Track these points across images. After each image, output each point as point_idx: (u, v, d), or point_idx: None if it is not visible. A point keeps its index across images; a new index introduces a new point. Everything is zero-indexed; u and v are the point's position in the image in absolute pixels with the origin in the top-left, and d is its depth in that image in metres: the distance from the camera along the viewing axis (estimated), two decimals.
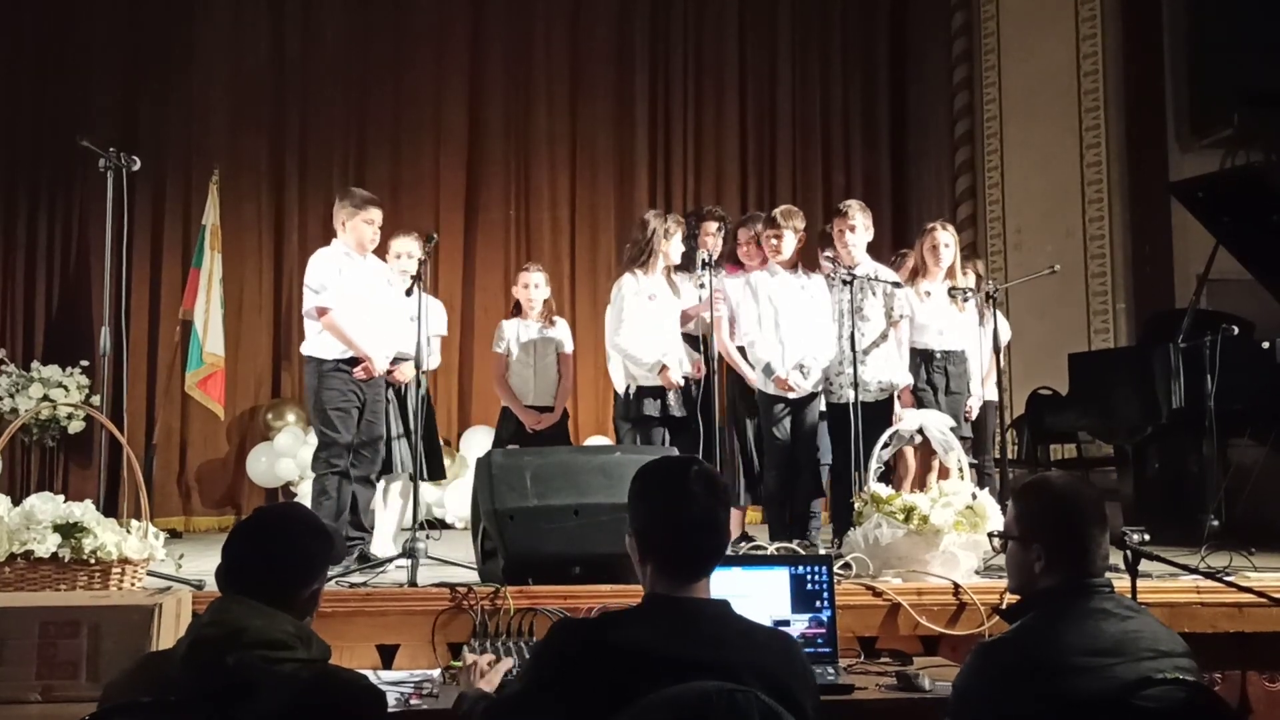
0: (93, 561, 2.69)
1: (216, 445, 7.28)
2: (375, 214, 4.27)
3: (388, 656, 2.90)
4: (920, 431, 3.92)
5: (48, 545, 2.65)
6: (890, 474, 4.39)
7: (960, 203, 7.62)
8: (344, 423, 4.07)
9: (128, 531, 2.77)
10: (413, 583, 3.13)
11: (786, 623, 2.65)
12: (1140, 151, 6.76)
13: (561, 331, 4.93)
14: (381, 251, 4.50)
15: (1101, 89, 6.89)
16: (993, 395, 4.91)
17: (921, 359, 4.60)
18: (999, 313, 4.48)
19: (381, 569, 3.55)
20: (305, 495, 5.82)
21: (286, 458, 6.78)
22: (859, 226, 4.50)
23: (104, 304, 3.52)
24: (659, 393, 4.41)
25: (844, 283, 4.35)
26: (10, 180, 7.27)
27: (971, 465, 3.81)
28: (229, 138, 7.43)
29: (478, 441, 6.78)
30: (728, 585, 2.45)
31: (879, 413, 4.31)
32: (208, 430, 7.21)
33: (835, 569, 2.93)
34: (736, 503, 4.67)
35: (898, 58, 8.35)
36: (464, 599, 2.92)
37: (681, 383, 4.41)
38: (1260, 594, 3.06)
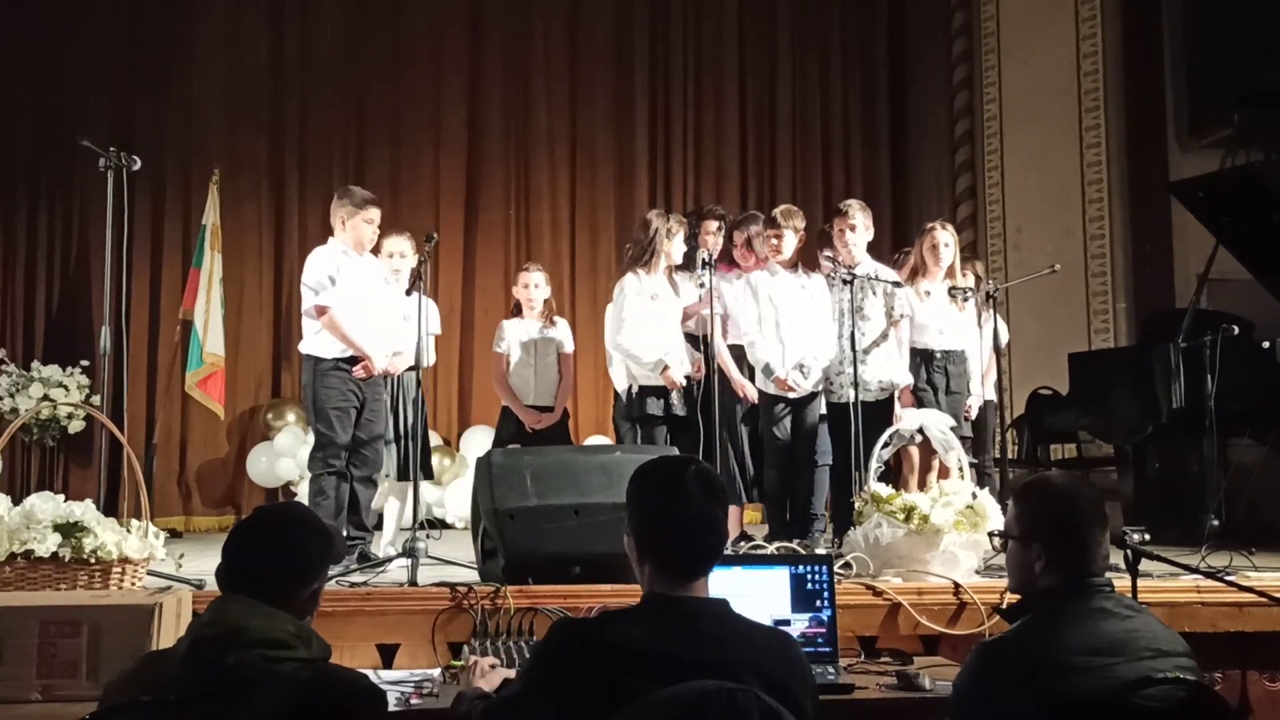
0: (93, 561, 2.69)
1: (216, 445, 7.28)
2: (375, 213, 4.27)
3: (388, 656, 2.90)
4: (920, 431, 3.92)
5: (48, 545, 2.65)
6: (893, 474, 4.38)
7: (960, 202, 7.62)
8: (342, 423, 4.07)
9: (128, 531, 2.77)
10: (413, 582, 3.14)
11: (787, 622, 2.65)
12: (1140, 151, 6.76)
13: (562, 331, 4.93)
14: (374, 251, 4.49)
15: (1101, 89, 6.89)
16: (991, 395, 4.91)
17: (921, 359, 4.60)
18: (997, 313, 4.48)
19: (381, 568, 3.55)
20: (305, 495, 5.82)
21: (286, 457, 6.78)
22: (859, 226, 4.50)
23: (104, 304, 3.52)
24: (662, 392, 4.42)
25: (844, 282, 4.35)
26: (10, 180, 7.27)
27: (971, 465, 3.81)
28: (229, 137, 7.43)
29: (478, 441, 6.78)
30: (728, 585, 2.45)
31: (879, 412, 4.31)
32: (208, 430, 7.21)
33: (835, 568, 2.93)
34: (735, 500, 4.67)
35: (897, 57, 8.35)
36: (464, 598, 2.92)
37: (684, 383, 4.41)
38: (1260, 593, 3.06)
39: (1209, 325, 4.58)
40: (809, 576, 2.71)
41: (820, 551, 3.60)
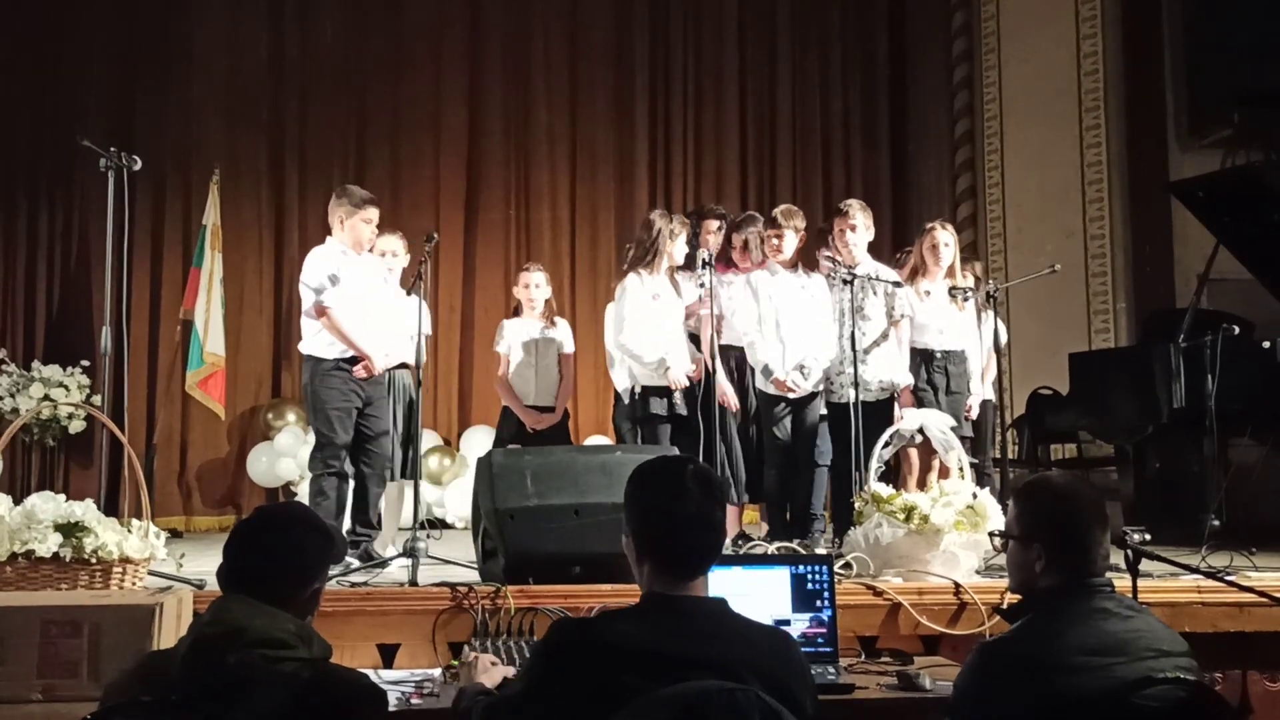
0: (94, 561, 2.69)
1: (217, 445, 7.28)
2: (373, 213, 4.27)
3: (388, 656, 2.90)
4: (921, 431, 3.92)
5: (49, 545, 2.65)
6: (893, 474, 4.38)
7: (960, 202, 7.62)
8: (342, 423, 4.07)
9: (129, 531, 2.77)
10: (413, 582, 3.14)
11: (787, 622, 2.65)
12: (1140, 151, 6.76)
13: (562, 332, 4.93)
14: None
15: (1101, 89, 6.89)
16: (990, 395, 4.91)
17: (922, 359, 4.60)
18: (996, 313, 4.48)
19: (382, 568, 3.55)
20: (305, 495, 5.82)
21: (287, 457, 6.78)
22: (859, 226, 4.50)
23: (104, 304, 3.51)
24: (664, 391, 4.42)
25: (844, 282, 4.36)
26: (10, 180, 7.27)
27: (971, 465, 3.81)
28: (229, 137, 7.43)
29: (478, 441, 6.78)
30: (728, 584, 2.46)
31: (879, 412, 4.31)
32: (208, 430, 7.21)
33: (836, 568, 2.93)
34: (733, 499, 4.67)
35: (898, 57, 8.35)
36: (464, 598, 2.92)
37: (686, 382, 4.42)
38: (1261, 593, 3.06)
39: (1209, 325, 4.58)
40: (809, 576, 2.71)
41: (820, 551, 3.60)
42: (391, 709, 2.07)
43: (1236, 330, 4.51)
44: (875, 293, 4.47)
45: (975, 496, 3.30)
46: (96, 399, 6.49)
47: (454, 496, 6.75)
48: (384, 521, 4.52)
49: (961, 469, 3.55)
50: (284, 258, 7.42)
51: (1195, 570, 3.05)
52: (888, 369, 4.46)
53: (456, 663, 2.54)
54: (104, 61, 7.35)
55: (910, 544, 3.21)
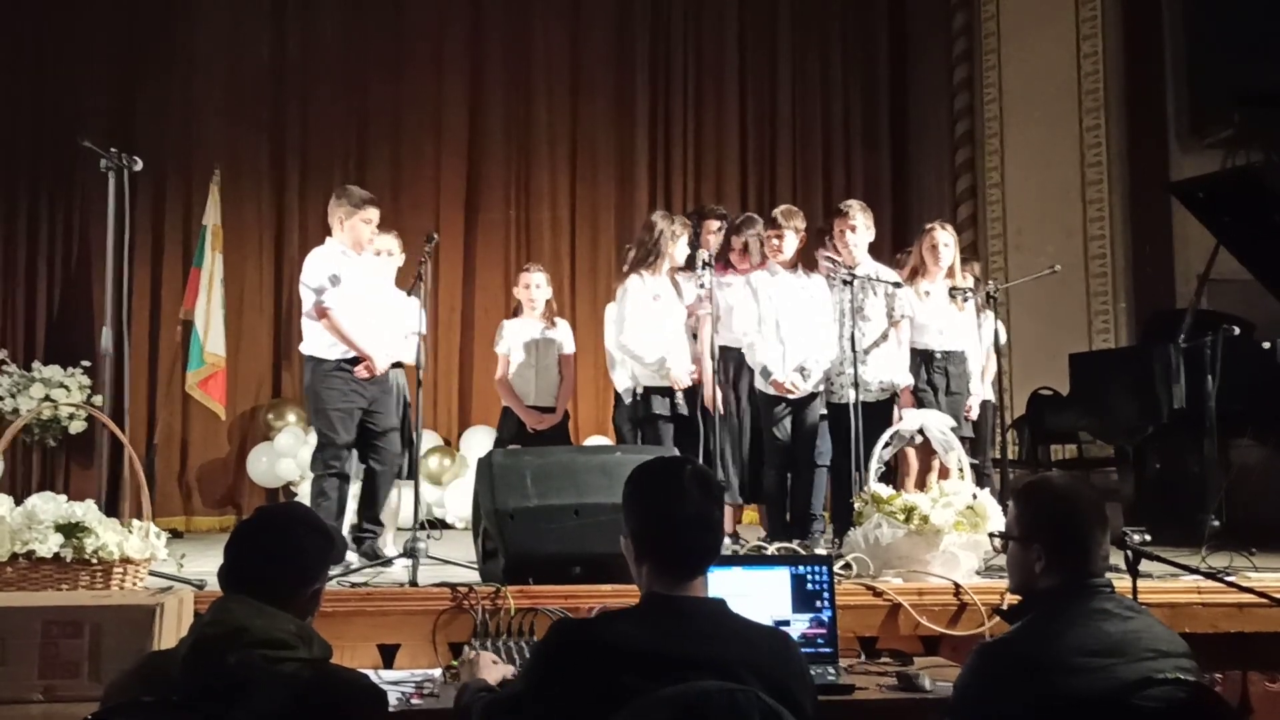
0: (94, 561, 2.69)
1: (217, 445, 7.28)
2: (373, 213, 4.26)
3: (389, 656, 2.91)
4: (920, 432, 3.92)
5: (49, 545, 2.65)
6: (893, 475, 4.39)
7: (960, 203, 7.63)
8: (344, 424, 4.07)
9: (129, 531, 2.77)
10: (413, 582, 3.14)
11: (787, 623, 2.65)
12: (1141, 152, 6.76)
13: (563, 333, 4.93)
14: None
15: (1102, 89, 6.89)
16: (990, 395, 4.91)
17: (922, 359, 4.60)
18: (996, 313, 4.48)
19: (387, 566, 3.55)
20: (305, 495, 5.82)
21: (287, 458, 6.78)
22: (860, 226, 4.50)
23: (105, 304, 3.51)
24: (667, 391, 4.42)
25: (844, 283, 4.36)
26: (11, 180, 7.26)
27: (971, 465, 3.81)
28: (229, 138, 7.43)
29: (478, 441, 6.78)
30: (728, 585, 2.46)
31: (879, 413, 4.31)
32: (209, 430, 7.21)
33: (835, 569, 2.93)
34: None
35: (898, 58, 8.35)
36: (465, 599, 2.92)
37: (688, 382, 4.41)
38: (1261, 594, 3.06)
39: (1209, 326, 4.58)
40: (809, 577, 2.71)
41: (820, 552, 3.60)
42: (392, 709, 2.07)
43: (1237, 331, 4.51)
44: (875, 293, 4.47)
45: (975, 497, 3.30)
46: (97, 399, 6.49)
47: (454, 497, 6.75)
48: (383, 522, 4.52)
49: (961, 469, 3.55)
50: (284, 258, 7.43)
51: (1195, 571, 3.06)
52: (888, 369, 4.46)
53: (457, 663, 2.54)
54: (105, 62, 7.35)
55: (910, 544, 3.21)
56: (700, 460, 4.11)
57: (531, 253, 7.58)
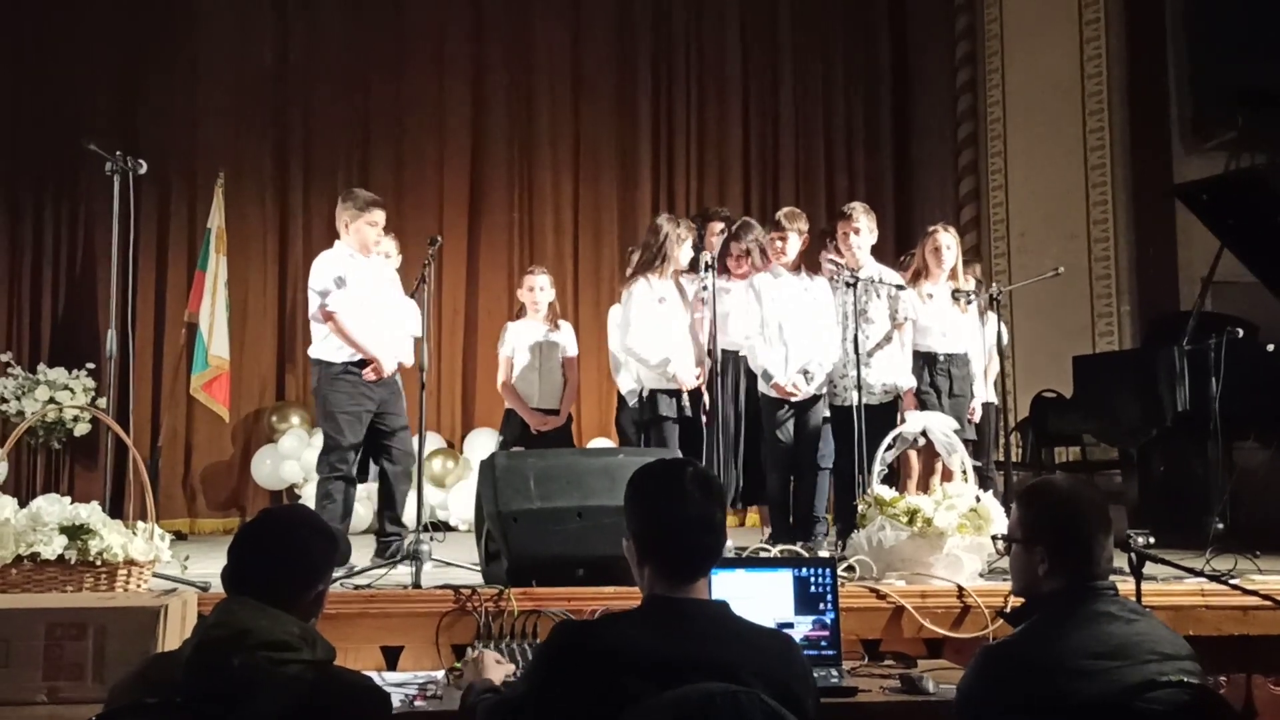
0: (99, 563, 2.69)
1: (221, 448, 7.29)
2: (378, 215, 4.27)
3: (392, 658, 2.91)
4: (924, 434, 3.92)
5: (54, 547, 2.66)
6: (894, 476, 4.38)
7: (964, 205, 7.62)
8: (351, 427, 4.08)
9: (133, 533, 2.77)
10: (417, 584, 3.14)
11: (790, 625, 2.65)
12: (1144, 154, 6.75)
13: (566, 335, 4.93)
14: None
15: (1105, 91, 6.88)
16: (992, 397, 4.91)
17: (924, 361, 4.59)
18: (999, 315, 4.48)
19: (387, 569, 3.55)
20: (309, 498, 5.83)
21: (291, 460, 6.79)
22: (863, 229, 4.50)
23: (110, 307, 3.53)
24: (673, 393, 4.42)
25: (847, 285, 4.35)
26: (16, 184, 7.29)
27: (974, 468, 3.81)
28: (233, 141, 7.45)
29: (481, 444, 6.79)
30: (731, 587, 2.46)
31: (883, 415, 4.31)
32: (213, 433, 7.22)
33: (839, 571, 2.93)
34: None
35: (901, 60, 8.35)
36: (468, 601, 2.92)
37: (695, 382, 4.42)
38: (1265, 597, 3.06)
39: (1213, 328, 4.57)
40: (812, 579, 2.71)
41: (823, 554, 3.60)
42: (395, 711, 2.07)
43: (1240, 333, 4.50)
44: (878, 295, 4.47)
45: (978, 499, 3.30)
46: (101, 402, 6.52)
47: (457, 499, 6.76)
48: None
49: (964, 472, 3.55)
50: (288, 260, 7.44)
51: (1199, 574, 3.06)
52: (891, 372, 4.45)
53: (459, 665, 2.55)
54: (109, 65, 7.38)
55: (913, 547, 3.21)
56: (703, 462, 4.11)
57: (534, 255, 7.59)
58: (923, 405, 4.47)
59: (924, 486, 4.33)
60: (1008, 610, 2.10)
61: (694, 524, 1.77)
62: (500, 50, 7.91)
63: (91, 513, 2.74)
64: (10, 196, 7.27)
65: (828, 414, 4.48)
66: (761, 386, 4.49)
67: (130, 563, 2.75)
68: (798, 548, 3.69)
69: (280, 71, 7.60)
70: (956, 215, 7.45)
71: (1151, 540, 2.78)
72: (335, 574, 2.71)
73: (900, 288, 4.49)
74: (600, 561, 2.99)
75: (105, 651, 2.41)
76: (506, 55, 7.91)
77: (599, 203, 7.94)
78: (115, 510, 2.95)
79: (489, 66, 7.90)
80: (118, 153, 3.55)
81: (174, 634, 2.46)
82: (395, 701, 2.11)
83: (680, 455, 3.89)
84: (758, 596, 2.63)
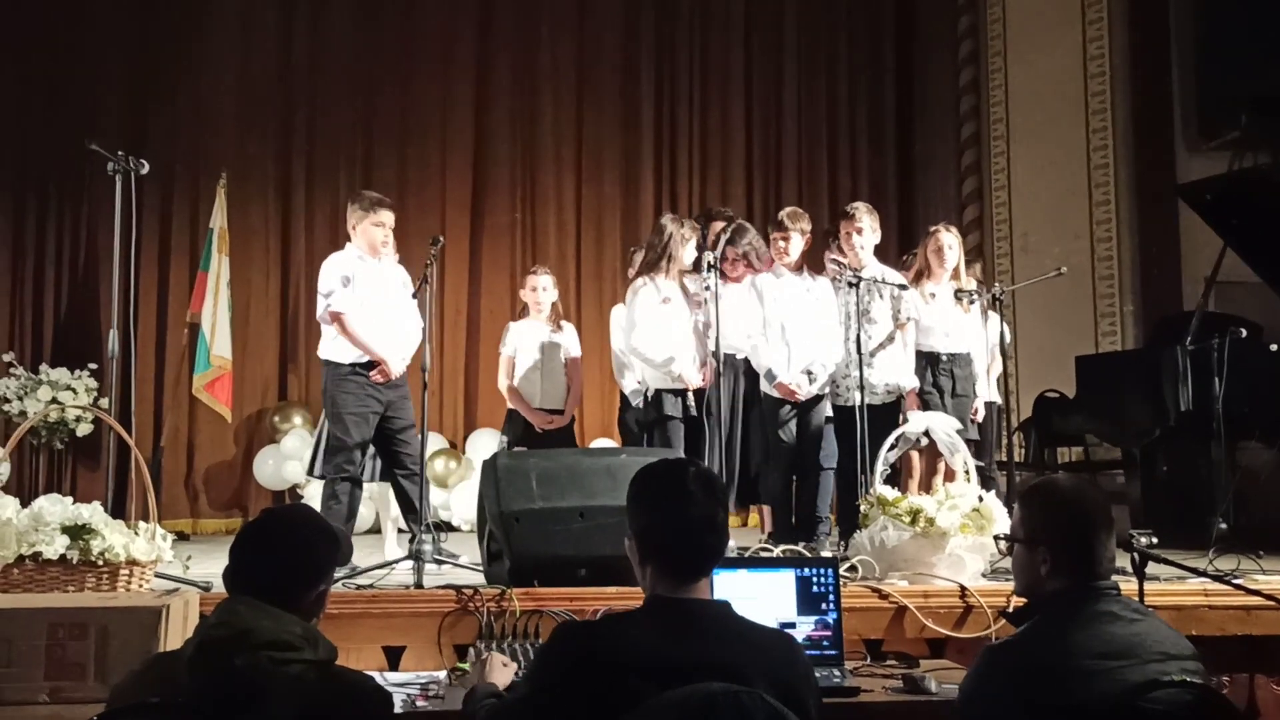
0: (101, 563, 2.70)
1: (224, 448, 7.29)
2: (385, 216, 4.27)
3: (394, 658, 2.91)
4: (926, 434, 3.92)
5: (56, 547, 2.66)
6: (897, 476, 4.38)
7: (967, 205, 7.62)
8: (358, 427, 4.08)
9: (135, 533, 2.78)
10: (419, 584, 3.14)
11: (792, 625, 2.65)
12: (1147, 154, 6.75)
13: (569, 336, 4.93)
14: None
15: (1108, 91, 6.88)
16: (994, 397, 4.90)
17: (927, 361, 4.59)
18: (1002, 315, 4.48)
19: (389, 569, 3.55)
20: (311, 498, 5.84)
21: (293, 460, 6.79)
22: (866, 229, 4.50)
23: (112, 307, 3.53)
24: (678, 392, 4.42)
25: (850, 285, 4.35)
26: (19, 184, 7.29)
27: (976, 468, 3.80)
28: (237, 141, 7.45)
29: (483, 444, 6.79)
30: (733, 587, 2.46)
31: (885, 415, 4.31)
32: (215, 433, 7.23)
33: (841, 571, 2.93)
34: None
35: (904, 60, 8.35)
36: (470, 601, 2.92)
37: (699, 382, 4.41)
38: (1268, 597, 3.05)
39: (1217, 328, 4.57)
40: (815, 579, 2.71)
41: (826, 554, 3.60)
42: (397, 711, 2.07)
43: (1244, 333, 4.50)
44: (881, 296, 4.47)
45: (981, 499, 3.30)
46: (104, 402, 6.52)
47: (459, 499, 6.76)
48: (382, 523, 4.53)
49: (967, 472, 3.55)
50: (291, 261, 7.45)
51: (1202, 574, 3.05)
52: (893, 372, 4.45)
53: (462, 665, 2.55)
54: (113, 66, 7.38)
55: (916, 547, 3.21)
56: (706, 462, 4.11)
57: (537, 256, 7.59)
58: (925, 405, 4.47)
59: (926, 486, 4.32)
60: (1010, 610, 2.10)
61: (696, 524, 1.77)
62: (505, 52, 7.91)
63: (93, 513, 2.74)
64: (14, 196, 7.27)
65: (830, 414, 4.47)
66: (764, 386, 4.49)
67: (132, 563, 2.75)
68: (800, 548, 3.69)
69: (284, 72, 7.61)
70: (959, 215, 7.45)
71: (1154, 540, 2.78)
72: (337, 574, 2.72)
73: (903, 288, 4.48)
74: (602, 561, 2.99)
75: (107, 651, 2.41)
76: (511, 57, 7.91)
77: (601, 203, 7.93)
78: (117, 510, 2.95)
79: (491, 67, 7.90)
80: (120, 152, 3.55)
81: (176, 634, 2.46)
82: (397, 702, 2.11)
83: (683, 455, 3.88)
84: (760, 596, 2.63)
